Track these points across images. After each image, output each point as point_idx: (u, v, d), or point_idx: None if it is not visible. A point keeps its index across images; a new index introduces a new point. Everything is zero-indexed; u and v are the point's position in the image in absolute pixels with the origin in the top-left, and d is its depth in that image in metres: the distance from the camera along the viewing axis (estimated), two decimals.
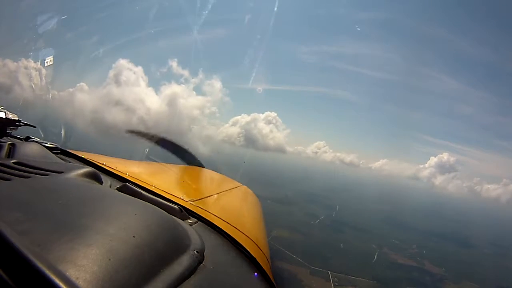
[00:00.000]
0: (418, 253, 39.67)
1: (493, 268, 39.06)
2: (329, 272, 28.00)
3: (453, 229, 57.83)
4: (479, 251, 47.34)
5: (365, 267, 31.64)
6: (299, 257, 28.57)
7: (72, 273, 0.49)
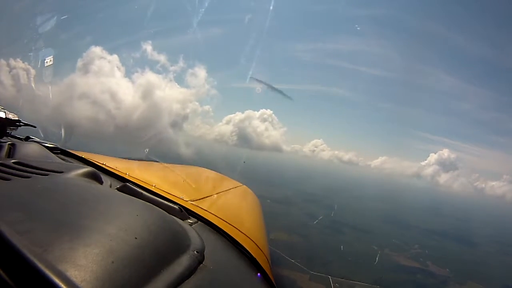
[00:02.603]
0: (420, 253, 39.04)
1: (497, 267, 38.43)
2: (330, 277, 27.14)
3: (455, 227, 57.25)
4: (482, 249, 46.61)
5: (367, 270, 30.85)
6: (298, 262, 27.68)
7: (72, 273, 0.49)
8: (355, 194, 75.31)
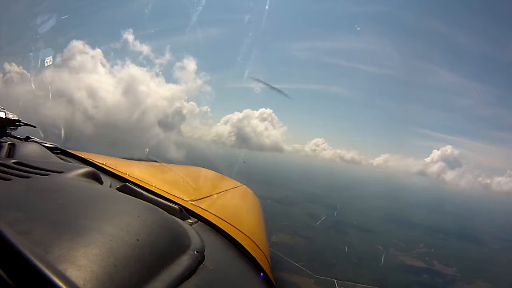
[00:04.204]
0: (426, 252, 38.44)
1: (504, 265, 37.76)
2: (335, 280, 26.31)
3: (460, 225, 56.34)
4: (489, 247, 45.94)
5: (372, 272, 30.26)
6: (301, 265, 26.90)
7: (72, 273, 0.49)
8: (358, 193, 74.47)
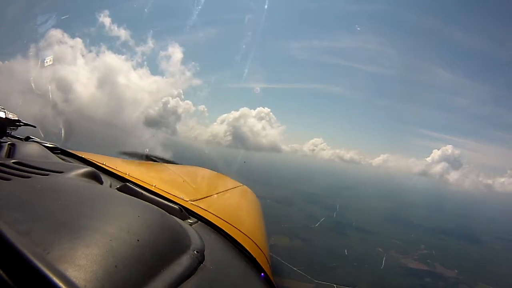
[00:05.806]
0: (427, 254, 37.89)
1: (506, 266, 37.14)
2: (335, 285, 25.51)
3: (461, 225, 55.80)
4: (490, 247, 45.53)
5: (373, 276, 29.74)
6: (300, 269, 26.02)
7: (72, 273, 0.50)
8: (358, 193, 73.81)
